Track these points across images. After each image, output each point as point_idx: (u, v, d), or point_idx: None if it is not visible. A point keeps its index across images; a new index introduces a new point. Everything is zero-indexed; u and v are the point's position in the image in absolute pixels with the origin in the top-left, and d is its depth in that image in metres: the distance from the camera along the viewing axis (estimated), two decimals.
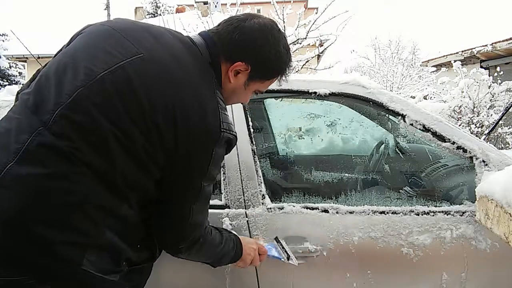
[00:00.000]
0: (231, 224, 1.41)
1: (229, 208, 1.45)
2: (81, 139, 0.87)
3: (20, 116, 0.91)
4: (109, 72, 0.90)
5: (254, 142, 1.53)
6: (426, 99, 8.41)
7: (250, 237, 1.40)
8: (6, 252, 0.82)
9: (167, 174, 0.98)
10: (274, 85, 1.60)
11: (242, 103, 1.22)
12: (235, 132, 1.04)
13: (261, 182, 1.48)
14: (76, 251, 0.85)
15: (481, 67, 7.77)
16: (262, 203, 1.45)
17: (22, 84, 1.14)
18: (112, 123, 0.88)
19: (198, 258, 1.19)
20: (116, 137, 0.88)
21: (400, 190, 1.62)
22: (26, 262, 0.82)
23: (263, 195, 1.46)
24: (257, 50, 1.07)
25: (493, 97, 6.10)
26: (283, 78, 1.17)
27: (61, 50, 1.05)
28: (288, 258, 1.33)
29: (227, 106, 1.09)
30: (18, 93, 1.06)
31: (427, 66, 10.67)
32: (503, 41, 7.14)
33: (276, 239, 1.36)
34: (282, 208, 1.44)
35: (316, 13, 5.82)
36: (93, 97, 0.88)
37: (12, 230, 0.81)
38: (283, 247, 1.34)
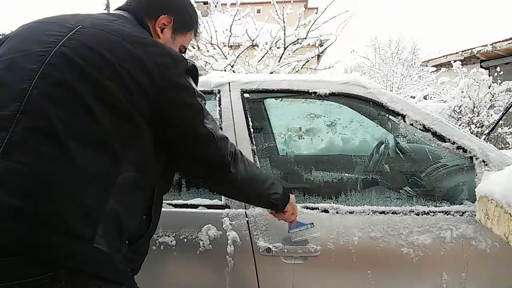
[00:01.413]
0: (231, 224, 1.41)
1: (229, 208, 1.45)
2: (63, 111, 0.85)
3: None
4: (61, 44, 0.91)
5: (254, 142, 1.53)
6: (426, 99, 8.41)
7: (250, 237, 1.40)
8: (18, 241, 0.77)
9: (163, 127, 0.97)
10: (274, 85, 1.62)
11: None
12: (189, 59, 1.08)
13: None
14: (87, 224, 0.82)
15: (481, 67, 7.77)
16: None
17: None
18: (87, 85, 0.88)
19: (251, 182, 1.17)
20: (95, 97, 0.87)
21: (400, 190, 1.62)
22: (39, 248, 0.78)
23: None
24: (174, 1, 1.17)
25: (493, 97, 6.10)
26: (197, 31, 1.25)
27: None
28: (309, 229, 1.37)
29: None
30: None
31: (427, 66, 10.67)
32: (503, 41, 7.14)
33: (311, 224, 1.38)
34: None
35: (316, 13, 5.83)
36: (59, 68, 0.88)
37: (21, 215, 0.77)
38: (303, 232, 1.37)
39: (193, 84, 1.03)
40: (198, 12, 1.22)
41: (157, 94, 0.94)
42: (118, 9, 1.14)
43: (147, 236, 1.05)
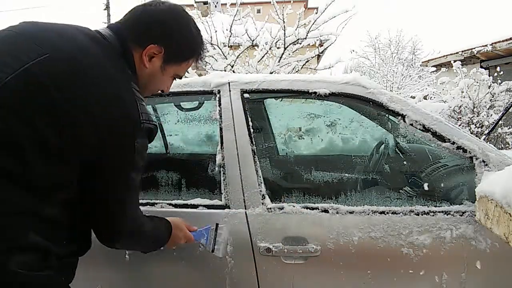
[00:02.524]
0: (231, 224, 1.41)
1: (229, 208, 1.45)
2: None
3: None
4: (15, 75, 0.87)
5: (254, 142, 1.53)
6: (426, 99, 8.41)
7: (250, 237, 1.40)
8: None
9: (91, 171, 0.95)
10: (274, 85, 1.62)
11: (162, 92, 1.20)
12: (155, 122, 1.03)
13: (261, 182, 1.48)
14: (0, 255, 0.83)
15: (481, 67, 7.77)
16: (262, 203, 1.45)
17: None
18: (26, 125, 0.86)
19: (133, 248, 1.23)
20: (30, 138, 0.86)
21: (400, 190, 1.62)
22: None
23: (263, 195, 1.46)
24: (167, 30, 1.06)
25: (493, 97, 6.10)
26: (200, 60, 1.17)
27: None
28: (213, 250, 1.34)
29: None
30: None
31: (427, 66, 10.67)
32: (503, 41, 7.13)
33: (216, 225, 1.36)
34: (282, 208, 1.44)
35: (316, 13, 5.83)
36: (3, 101, 0.86)
37: None
38: (215, 236, 1.35)
39: (138, 148, 0.98)
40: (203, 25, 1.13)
41: (97, 152, 0.93)
42: (108, 27, 1.08)
43: (77, 258, 1.05)
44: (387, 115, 1.69)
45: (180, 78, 1.20)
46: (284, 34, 5.48)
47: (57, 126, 0.88)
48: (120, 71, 1.00)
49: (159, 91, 1.20)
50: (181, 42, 1.10)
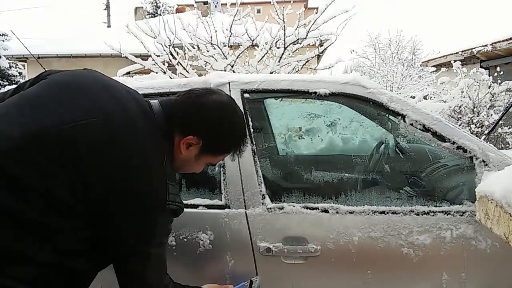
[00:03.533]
0: (231, 224, 1.41)
1: (229, 208, 1.45)
2: (6, 186, 0.85)
3: None
4: (59, 129, 0.89)
5: (254, 142, 1.53)
6: (426, 99, 8.40)
7: (250, 237, 1.40)
8: None
9: (110, 237, 0.96)
10: (274, 85, 1.62)
11: (195, 172, 1.23)
12: (180, 203, 1.04)
13: (261, 182, 1.48)
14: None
15: (481, 67, 7.76)
16: (262, 203, 1.45)
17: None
18: (41, 177, 0.87)
19: None
20: (41, 190, 0.86)
21: (400, 190, 1.62)
22: None
23: (263, 195, 1.46)
24: (209, 127, 1.08)
25: (493, 97, 6.09)
26: (237, 153, 1.18)
27: (24, 84, 1.07)
28: None
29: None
30: None
31: (427, 66, 10.66)
32: (503, 41, 7.13)
33: (250, 282, 1.32)
34: (282, 208, 1.44)
35: (316, 13, 5.82)
36: (29, 150, 0.87)
37: None
38: None
39: (158, 227, 0.99)
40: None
41: (117, 223, 0.94)
42: (160, 103, 1.10)
43: None
44: (387, 115, 1.69)
45: (214, 166, 1.20)
46: (284, 34, 5.47)
47: (78, 193, 0.89)
48: (159, 151, 1.01)
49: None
50: (221, 138, 1.12)
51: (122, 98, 1.02)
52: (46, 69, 1.13)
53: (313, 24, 5.62)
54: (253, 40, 5.78)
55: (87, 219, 0.92)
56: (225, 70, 5.30)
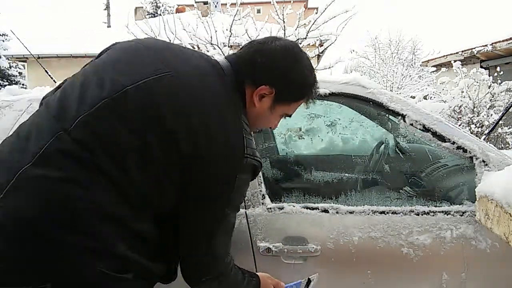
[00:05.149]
0: None
1: None
2: (100, 148, 0.86)
3: (42, 121, 0.92)
4: (134, 86, 0.91)
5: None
6: (426, 99, 8.40)
7: (250, 237, 1.40)
8: (21, 255, 0.80)
9: (185, 199, 0.95)
10: None
11: (270, 128, 1.19)
12: (260, 158, 1.02)
13: (261, 182, 1.48)
14: (89, 257, 0.84)
15: (481, 67, 7.76)
16: (262, 203, 1.45)
17: (23, 85, 1.14)
18: (133, 136, 0.88)
19: None
20: (135, 150, 0.88)
21: (400, 190, 1.62)
22: (40, 265, 0.81)
23: (263, 195, 1.46)
24: (281, 73, 1.05)
25: (493, 97, 6.09)
26: (310, 99, 1.15)
27: (87, 64, 1.08)
28: None
29: None
30: (43, 98, 1.08)
31: (427, 66, 10.66)
32: (503, 41, 7.13)
33: (308, 280, 1.29)
34: (282, 208, 1.44)
35: (316, 13, 5.82)
36: (117, 109, 0.89)
37: (27, 232, 0.81)
38: None
39: (238, 183, 0.97)
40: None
41: (196, 181, 0.93)
42: (226, 58, 1.09)
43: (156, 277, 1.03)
44: (387, 115, 1.69)
45: (290, 116, 1.18)
46: (284, 34, 5.48)
47: (161, 142, 0.89)
48: (233, 104, 1.00)
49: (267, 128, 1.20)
50: (293, 84, 1.08)
51: (192, 56, 1.03)
52: (46, 69, 1.13)
53: (313, 24, 5.62)
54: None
55: (174, 180, 0.92)
56: None
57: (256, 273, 1.21)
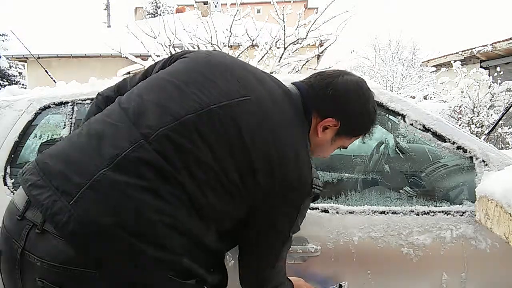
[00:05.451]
0: None
1: None
2: (180, 162, 0.87)
3: (119, 123, 0.91)
4: (219, 106, 0.92)
5: None
6: (426, 99, 8.41)
7: None
8: (93, 249, 0.82)
9: (253, 219, 0.98)
10: None
11: (323, 157, 1.23)
12: (321, 187, 1.04)
13: None
14: (158, 266, 0.85)
15: (481, 67, 7.77)
16: None
17: (23, 85, 1.14)
18: (213, 155, 0.89)
19: None
20: (214, 169, 0.89)
21: (400, 190, 1.62)
22: (110, 264, 0.82)
23: None
24: (349, 108, 1.08)
25: (493, 97, 6.10)
26: (368, 135, 1.18)
27: (153, 66, 1.09)
28: None
29: None
30: (98, 94, 1.11)
31: (427, 66, 10.66)
32: (503, 41, 7.13)
33: (340, 286, 1.33)
34: None
35: (316, 13, 5.82)
36: (200, 126, 0.90)
37: (104, 234, 0.81)
38: None
39: (302, 210, 1.01)
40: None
41: (266, 204, 0.96)
42: (295, 85, 1.10)
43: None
44: (387, 115, 1.69)
45: (345, 148, 1.20)
46: (284, 34, 5.48)
47: (239, 168, 0.91)
48: (303, 132, 1.03)
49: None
50: (359, 120, 1.12)
51: (265, 81, 1.03)
52: (46, 69, 1.13)
53: (313, 24, 5.62)
54: (253, 40, 5.78)
55: (246, 201, 0.95)
56: None
57: (290, 277, 1.24)
